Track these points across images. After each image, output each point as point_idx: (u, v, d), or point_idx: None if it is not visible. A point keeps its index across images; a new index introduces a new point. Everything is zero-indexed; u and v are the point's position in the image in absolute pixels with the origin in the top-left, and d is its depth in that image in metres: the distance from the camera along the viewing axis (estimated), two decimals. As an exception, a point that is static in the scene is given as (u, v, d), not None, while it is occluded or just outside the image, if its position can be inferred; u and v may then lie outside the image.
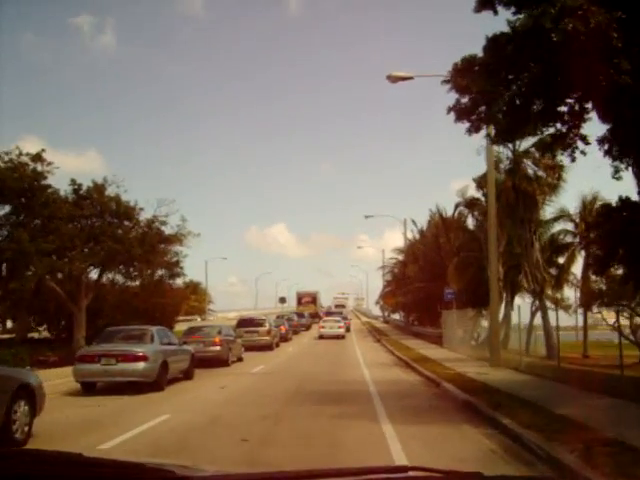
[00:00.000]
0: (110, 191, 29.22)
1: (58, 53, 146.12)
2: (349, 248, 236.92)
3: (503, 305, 37.79)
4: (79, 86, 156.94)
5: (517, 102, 11.94)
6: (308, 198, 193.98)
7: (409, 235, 54.39)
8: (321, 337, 46.61)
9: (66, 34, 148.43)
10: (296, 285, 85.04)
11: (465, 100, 12.62)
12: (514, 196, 25.49)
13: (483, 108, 12.46)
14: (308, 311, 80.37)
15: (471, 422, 10.70)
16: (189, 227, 31.52)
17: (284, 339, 42.53)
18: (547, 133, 13.59)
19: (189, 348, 19.93)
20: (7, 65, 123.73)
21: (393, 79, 19.85)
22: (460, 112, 12.73)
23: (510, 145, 24.34)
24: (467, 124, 12.90)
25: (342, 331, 47.21)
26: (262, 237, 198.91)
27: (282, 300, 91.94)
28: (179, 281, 36.19)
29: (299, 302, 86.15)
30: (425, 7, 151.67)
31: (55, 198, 26.65)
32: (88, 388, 15.85)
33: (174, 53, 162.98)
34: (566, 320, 41.95)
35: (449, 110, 12.76)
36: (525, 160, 26.02)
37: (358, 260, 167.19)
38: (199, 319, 62.75)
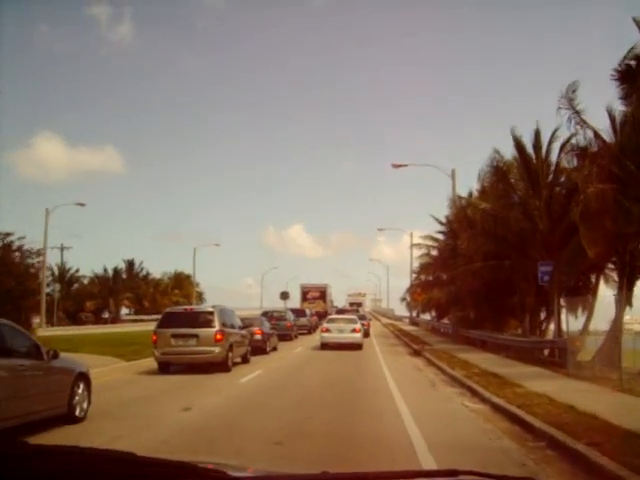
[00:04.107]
0: None
1: (74, 45, 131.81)
2: (367, 249, 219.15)
3: None
4: (95, 78, 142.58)
5: None
6: (326, 198, 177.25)
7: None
8: (324, 346, 29.11)
9: (82, 25, 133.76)
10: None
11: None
12: None
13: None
14: (315, 309, 62.95)
15: None
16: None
17: (260, 350, 25.18)
18: None
19: None
20: (21, 58, 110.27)
21: None
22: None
23: None
24: None
25: (358, 337, 29.57)
26: (279, 238, 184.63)
27: (284, 295, 74.09)
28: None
29: (304, 298, 68.52)
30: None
31: None
32: None
33: (193, 44, 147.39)
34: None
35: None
36: None
37: (376, 262, 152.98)
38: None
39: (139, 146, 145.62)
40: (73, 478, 1.84)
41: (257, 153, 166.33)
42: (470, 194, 37.23)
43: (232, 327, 19.96)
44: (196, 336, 18.13)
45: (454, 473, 1.80)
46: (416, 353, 27.48)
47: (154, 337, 18.49)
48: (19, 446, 2.02)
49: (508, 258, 29.00)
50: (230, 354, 18.85)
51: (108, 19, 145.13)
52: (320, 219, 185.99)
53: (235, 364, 20.52)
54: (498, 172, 27.50)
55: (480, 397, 13.53)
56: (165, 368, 18.59)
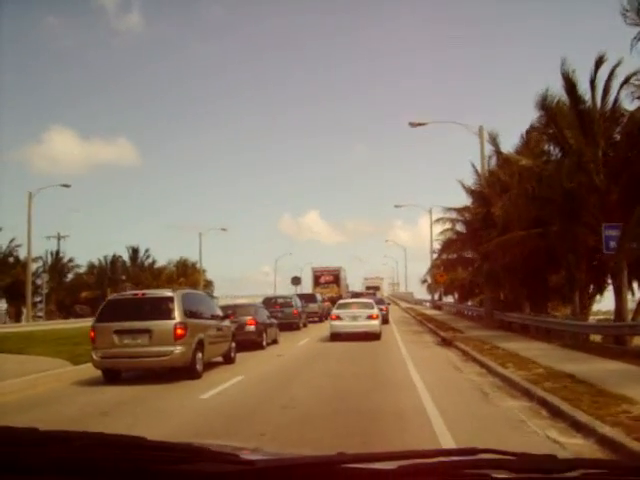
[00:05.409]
0: None
1: (82, 36, 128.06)
2: (384, 234, 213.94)
3: None
4: (105, 69, 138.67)
5: None
6: (341, 183, 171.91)
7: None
8: (335, 337, 24.00)
9: (90, 15, 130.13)
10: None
11: None
12: None
13: None
14: (329, 294, 57.79)
15: None
16: None
17: (254, 344, 20.44)
18: None
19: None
20: (30, 51, 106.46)
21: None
22: None
23: None
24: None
25: (375, 324, 24.35)
26: (296, 225, 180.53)
27: (295, 280, 68.87)
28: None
29: (316, 282, 63.18)
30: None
31: None
32: None
33: (204, 32, 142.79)
34: None
35: None
36: None
37: (392, 244, 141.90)
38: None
39: (152, 137, 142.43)
40: (85, 463, 1.82)
41: (272, 140, 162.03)
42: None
43: (204, 317, 14.89)
44: (148, 331, 13.08)
45: (473, 451, 1.80)
46: (446, 343, 22.32)
47: (92, 334, 13.48)
48: (30, 432, 1.98)
49: (553, 225, 23.74)
50: (199, 354, 13.79)
51: (116, 8, 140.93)
52: (336, 205, 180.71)
53: (213, 365, 15.57)
54: (548, 113, 21.87)
55: (570, 420, 8.38)
56: (113, 375, 13.63)
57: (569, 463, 1.77)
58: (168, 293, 13.88)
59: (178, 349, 13.05)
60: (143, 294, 14.27)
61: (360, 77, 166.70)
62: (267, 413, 9.49)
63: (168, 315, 13.21)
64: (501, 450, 1.79)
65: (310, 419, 8.93)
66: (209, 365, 15.23)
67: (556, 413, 8.98)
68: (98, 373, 13.98)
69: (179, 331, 13.07)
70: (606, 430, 7.42)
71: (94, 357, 13.33)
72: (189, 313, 13.76)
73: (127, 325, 13.14)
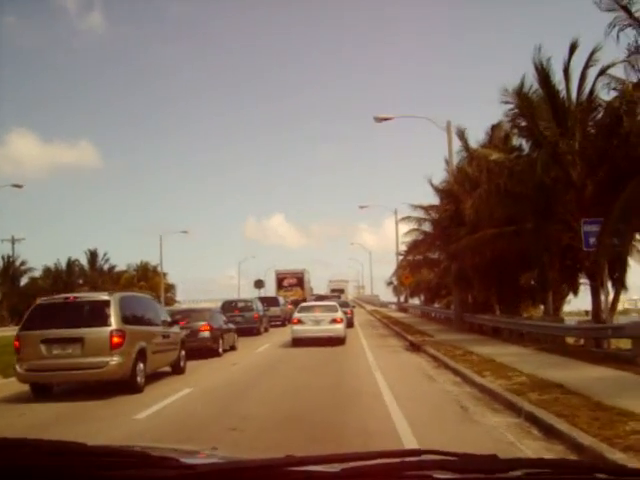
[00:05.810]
0: None
1: (44, 36, 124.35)
2: (349, 238, 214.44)
3: None
4: (67, 70, 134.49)
5: None
6: (307, 187, 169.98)
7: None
8: (297, 342, 22.48)
9: (51, 15, 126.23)
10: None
11: None
12: None
13: None
14: (292, 297, 56.35)
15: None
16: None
17: (210, 351, 18.93)
18: None
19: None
20: None
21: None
22: None
23: None
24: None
25: (340, 329, 22.89)
26: (261, 228, 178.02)
27: (258, 284, 66.99)
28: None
29: (279, 285, 61.61)
30: None
31: None
32: None
33: (167, 33, 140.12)
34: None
35: None
36: None
37: (358, 246, 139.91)
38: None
39: (115, 139, 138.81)
40: (24, 471, 1.71)
41: (238, 142, 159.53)
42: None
43: (147, 323, 13.28)
44: (80, 340, 11.42)
45: (417, 453, 1.83)
46: (415, 348, 21.00)
47: (16, 344, 11.78)
48: None
49: (526, 222, 22.63)
50: (140, 365, 12.16)
51: (78, 8, 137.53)
52: (301, 208, 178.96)
53: (160, 376, 14.00)
54: (523, 103, 20.61)
55: (569, 442, 7.06)
56: (42, 390, 11.96)
57: (510, 463, 1.74)
58: (103, 297, 12.21)
59: (115, 360, 11.43)
60: (75, 297, 12.59)
61: (327, 75, 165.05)
62: (211, 437, 7.95)
63: (103, 321, 11.58)
64: (444, 451, 1.76)
65: (261, 444, 7.44)
66: (155, 376, 13.66)
67: (550, 432, 7.66)
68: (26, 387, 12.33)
69: (116, 339, 11.45)
70: (617, 457, 6.08)
71: (18, 370, 11.62)
72: (129, 319, 12.15)
73: (56, 333, 11.47)
